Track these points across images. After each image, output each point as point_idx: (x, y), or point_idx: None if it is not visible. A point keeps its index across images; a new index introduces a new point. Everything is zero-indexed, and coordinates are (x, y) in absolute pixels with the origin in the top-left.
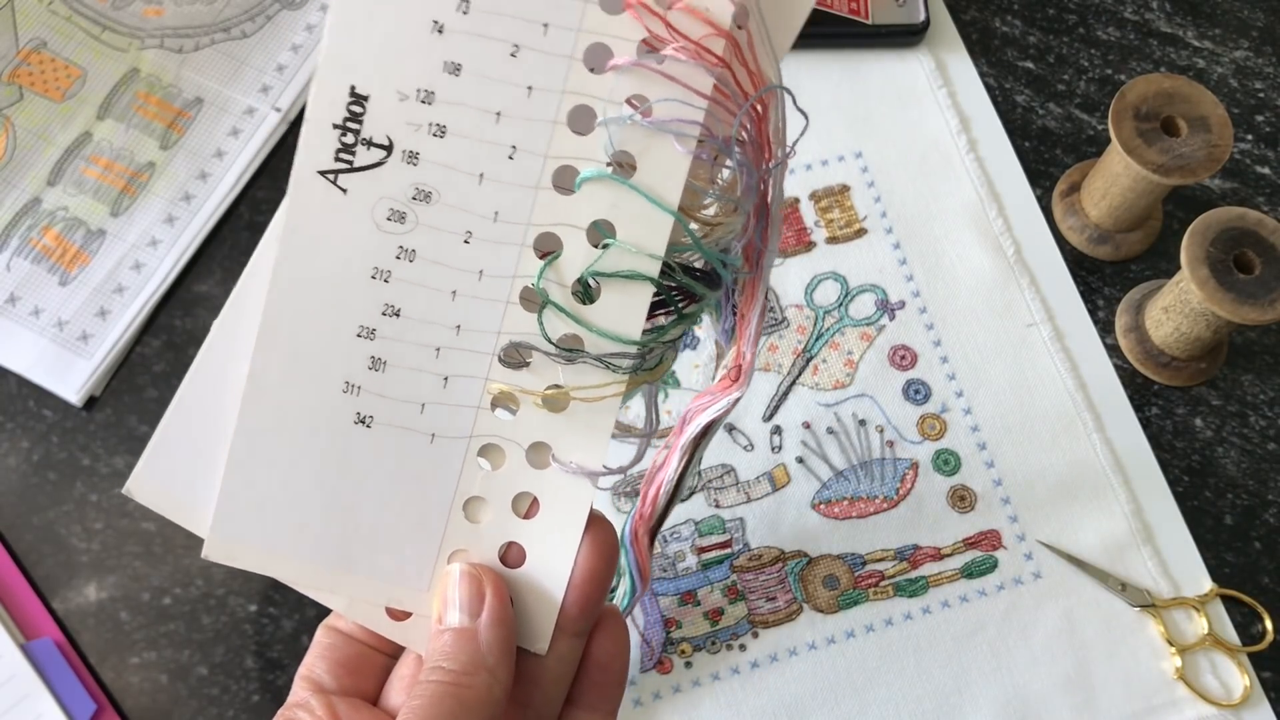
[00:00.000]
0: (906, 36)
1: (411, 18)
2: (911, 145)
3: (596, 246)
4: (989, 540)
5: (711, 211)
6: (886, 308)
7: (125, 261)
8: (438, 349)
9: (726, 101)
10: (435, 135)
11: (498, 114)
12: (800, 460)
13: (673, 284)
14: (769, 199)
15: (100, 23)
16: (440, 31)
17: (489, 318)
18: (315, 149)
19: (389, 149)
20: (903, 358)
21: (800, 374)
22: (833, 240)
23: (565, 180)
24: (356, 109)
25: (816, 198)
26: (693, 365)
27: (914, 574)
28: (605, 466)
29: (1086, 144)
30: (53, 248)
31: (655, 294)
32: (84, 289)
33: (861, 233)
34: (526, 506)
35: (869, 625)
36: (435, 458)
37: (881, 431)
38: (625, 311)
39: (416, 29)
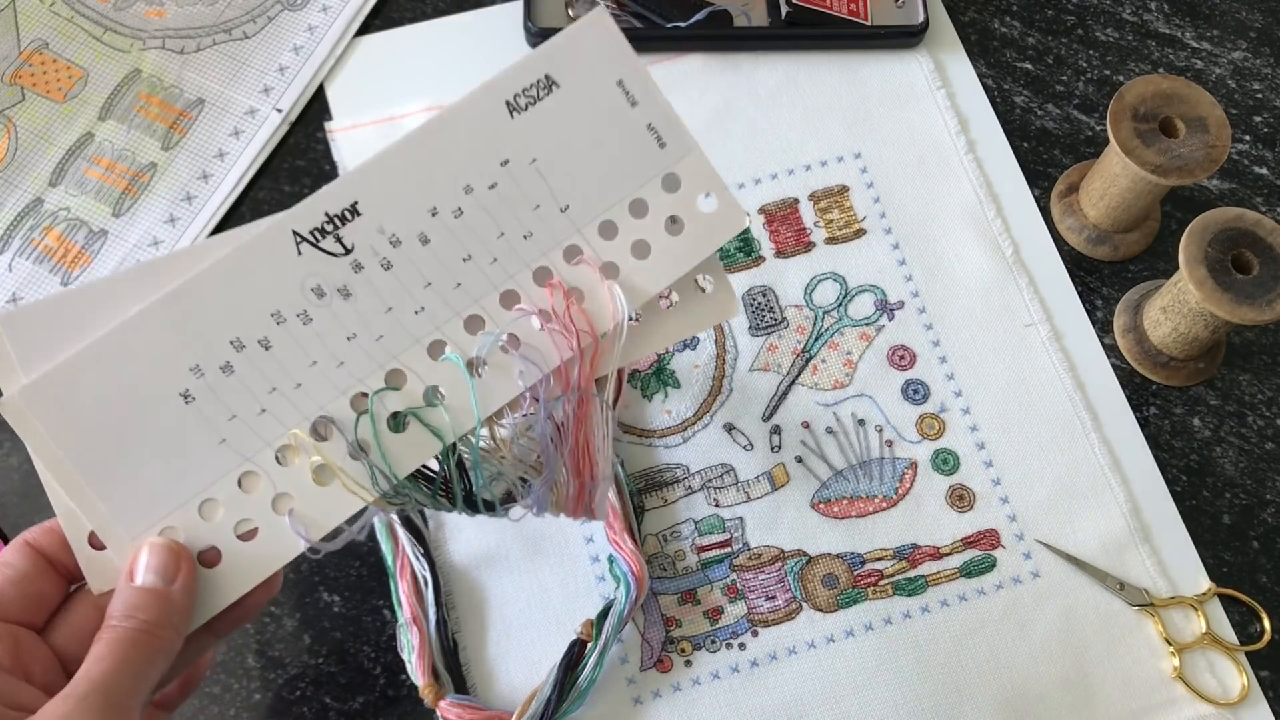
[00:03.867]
0: (905, 37)
1: (422, 194)
2: (910, 146)
3: (424, 402)
4: (987, 539)
5: (505, 434)
6: (885, 308)
7: (127, 262)
8: (274, 388)
9: (560, 381)
10: (382, 266)
11: (428, 283)
12: (799, 460)
13: (438, 475)
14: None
15: (102, 24)
16: (433, 214)
17: (323, 393)
18: (302, 216)
19: (349, 252)
20: (901, 358)
21: (799, 374)
22: (832, 241)
23: (435, 351)
24: (349, 214)
25: (816, 198)
26: (692, 365)
27: (913, 573)
28: (315, 546)
29: (1085, 145)
30: (55, 248)
31: (432, 471)
32: None
33: (860, 233)
34: (247, 531)
35: (868, 624)
36: (211, 454)
37: (880, 431)
38: (409, 455)
39: (419, 201)
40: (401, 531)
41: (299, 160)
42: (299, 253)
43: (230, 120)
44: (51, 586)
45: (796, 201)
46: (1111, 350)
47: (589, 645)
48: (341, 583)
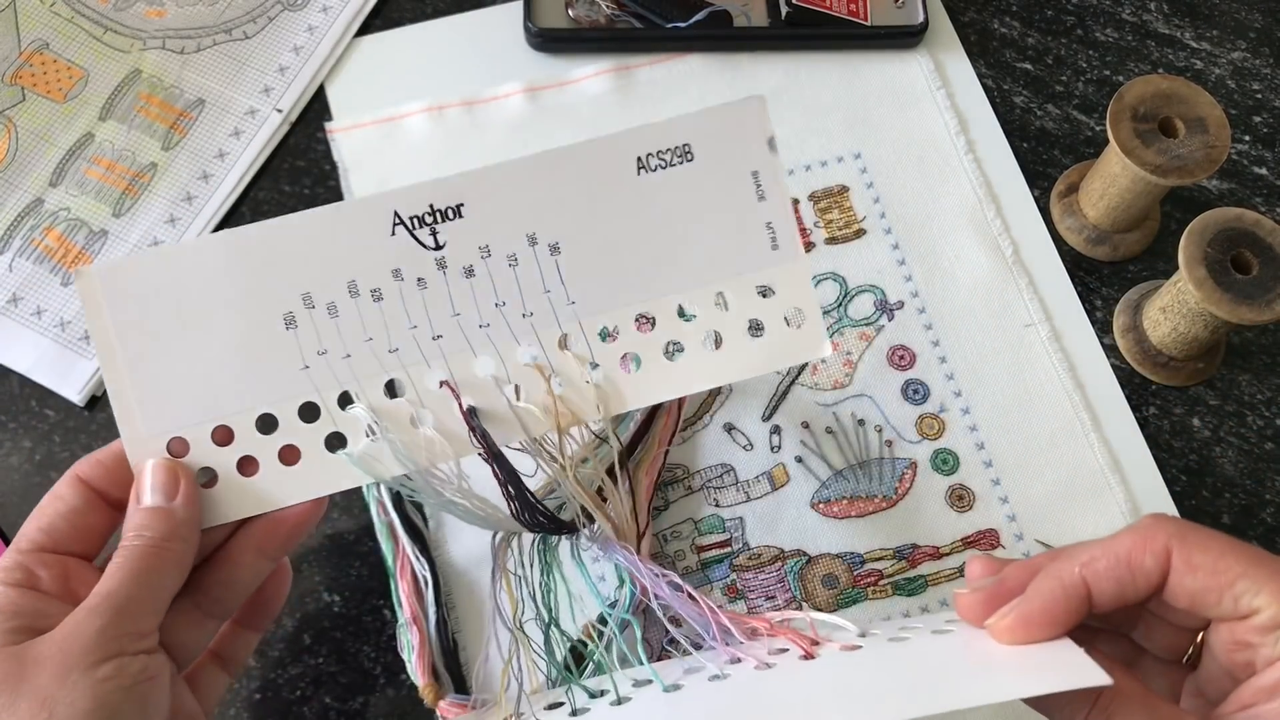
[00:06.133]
0: (905, 38)
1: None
2: (910, 146)
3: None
4: (987, 539)
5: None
6: (885, 308)
7: None
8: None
9: None
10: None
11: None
12: (799, 460)
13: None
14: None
15: (102, 24)
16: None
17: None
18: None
19: (440, 248)
20: (901, 358)
21: (799, 374)
22: (832, 241)
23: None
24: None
25: (815, 198)
26: None
27: (912, 573)
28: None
29: (1084, 145)
30: (55, 248)
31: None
32: None
33: (860, 233)
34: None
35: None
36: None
37: (880, 431)
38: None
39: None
40: (401, 531)
41: (299, 160)
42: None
43: (230, 120)
44: (101, 518)
45: (796, 201)
46: (1111, 350)
47: (590, 648)
48: (341, 583)
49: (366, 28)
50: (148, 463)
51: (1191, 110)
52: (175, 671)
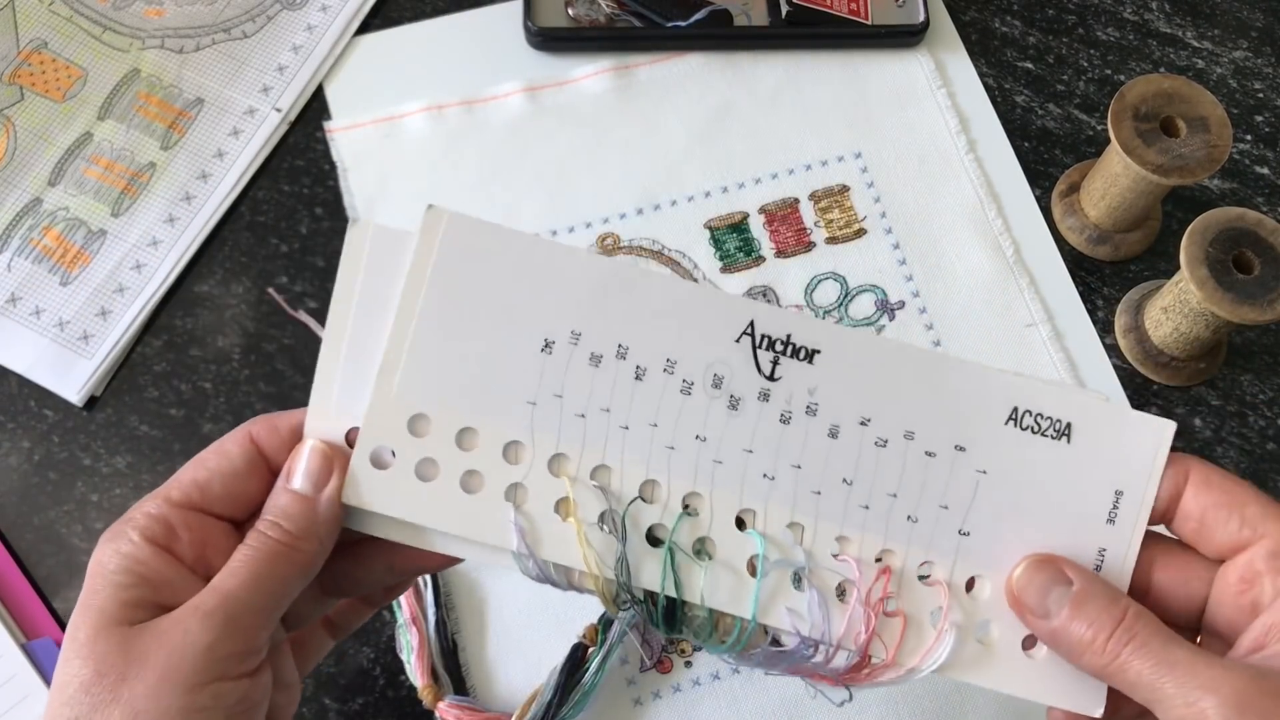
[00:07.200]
0: (906, 37)
1: (872, 403)
2: (911, 146)
3: (690, 546)
4: None
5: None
6: (886, 308)
7: (126, 262)
8: (607, 409)
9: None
10: (781, 418)
11: (797, 465)
12: None
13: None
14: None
15: (101, 23)
16: (863, 424)
17: (632, 455)
18: (769, 318)
19: (771, 380)
20: None
21: None
22: (832, 240)
23: (746, 518)
24: (802, 355)
25: (816, 198)
26: None
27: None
28: (523, 550)
29: (1086, 144)
30: (53, 248)
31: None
32: (85, 289)
33: (861, 233)
34: (472, 484)
35: None
36: (512, 405)
37: None
38: (647, 573)
39: (864, 405)
40: None
41: (298, 160)
42: (737, 340)
43: (229, 120)
44: (258, 484)
45: (797, 201)
46: (1112, 350)
47: (591, 650)
48: None
49: (366, 27)
50: (309, 443)
51: (1193, 109)
52: (282, 639)
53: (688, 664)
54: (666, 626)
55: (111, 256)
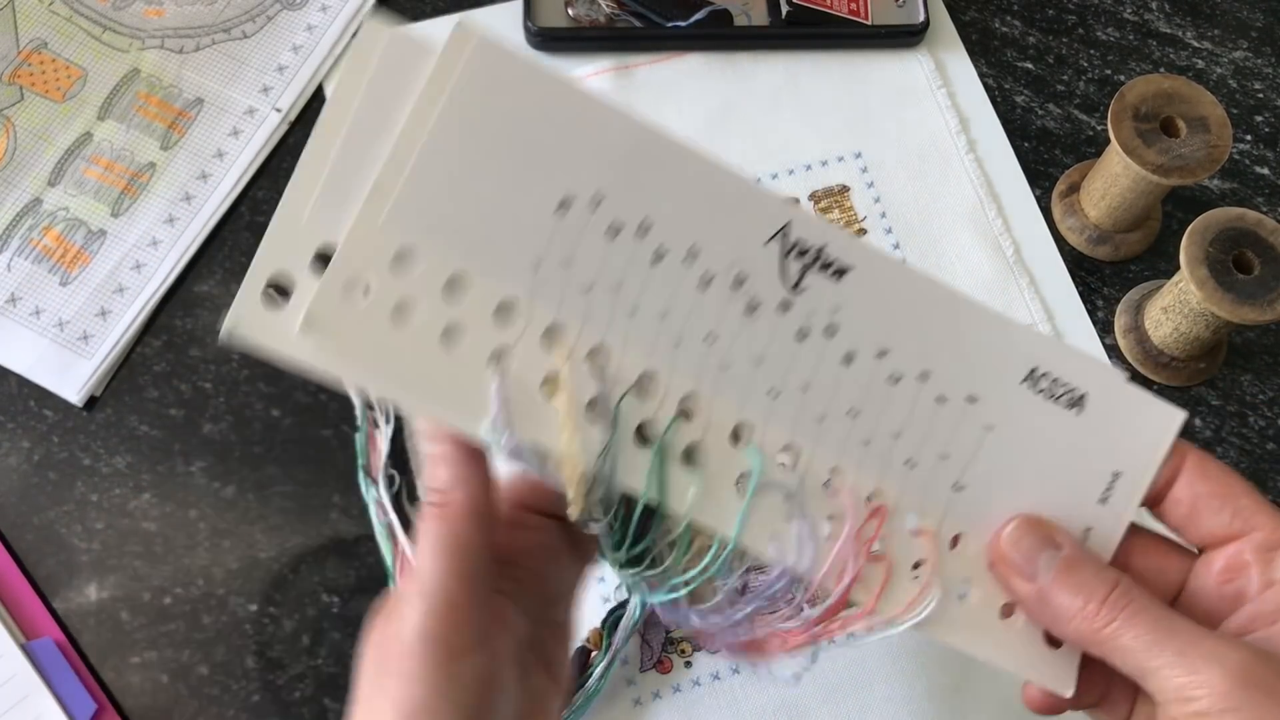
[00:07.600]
0: (906, 37)
1: (891, 331)
2: (911, 146)
3: (680, 449)
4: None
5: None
6: None
7: (126, 262)
8: (620, 285)
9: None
10: (797, 335)
11: (805, 387)
12: None
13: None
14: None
15: (101, 23)
16: (880, 355)
17: (635, 341)
18: (810, 225)
19: (794, 290)
20: None
21: None
22: None
23: (744, 431)
24: (832, 269)
25: (816, 198)
26: None
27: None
28: (498, 422)
29: (1086, 144)
30: (53, 248)
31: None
32: (85, 289)
33: (861, 233)
34: (449, 333)
35: None
36: (516, 261)
37: None
38: (632, 471)
39: (884, 333)
40: (401, 532)
41: (298, 160)
42: (765, 242)
43: (229, 120)
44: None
45: (797, 201)
46: (1113, 350)
47: (595, 654)
48: (341, 583)
49: None
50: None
51: (1193, 110)
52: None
53: (688, 664)
54: (634, 539)
55: (111, 256)
